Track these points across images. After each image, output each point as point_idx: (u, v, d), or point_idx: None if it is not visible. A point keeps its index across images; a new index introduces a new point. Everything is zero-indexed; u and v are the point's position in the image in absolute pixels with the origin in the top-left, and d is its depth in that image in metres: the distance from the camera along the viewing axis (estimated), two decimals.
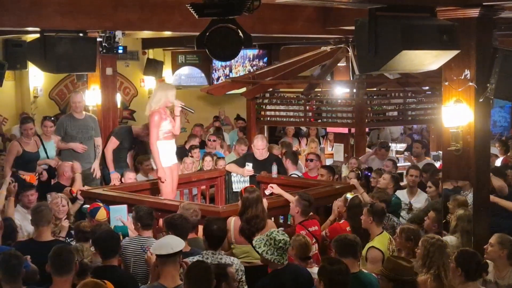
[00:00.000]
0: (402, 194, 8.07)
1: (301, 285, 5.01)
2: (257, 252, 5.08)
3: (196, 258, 5.06)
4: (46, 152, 8.65)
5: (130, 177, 8.50)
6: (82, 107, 9.18)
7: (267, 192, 7.10)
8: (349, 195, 6.88)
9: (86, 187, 7.85)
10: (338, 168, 9.62)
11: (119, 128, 9.53)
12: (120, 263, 5.52)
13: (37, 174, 8.28)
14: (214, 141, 11.41)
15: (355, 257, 5.04)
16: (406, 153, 11.23)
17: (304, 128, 13.86)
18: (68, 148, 8.91)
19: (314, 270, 5.48)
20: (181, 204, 6.38)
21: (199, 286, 4.27)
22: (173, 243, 4.72)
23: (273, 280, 4.96)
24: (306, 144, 12.17)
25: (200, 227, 6.05)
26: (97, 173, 9.00)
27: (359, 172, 8.69)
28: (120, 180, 8.53)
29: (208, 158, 9.61)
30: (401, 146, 12.10)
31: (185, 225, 5.50)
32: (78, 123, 9.01)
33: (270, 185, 7.32)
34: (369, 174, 8.70)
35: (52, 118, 9.46)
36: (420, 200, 7.97)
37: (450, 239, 6.23)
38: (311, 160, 9.29)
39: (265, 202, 6.39)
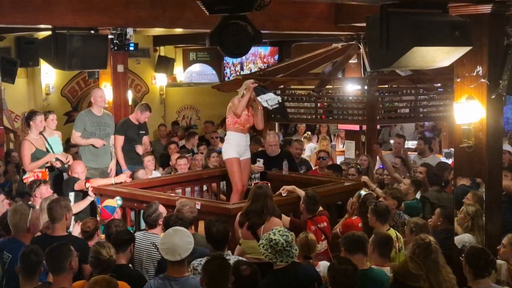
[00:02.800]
0: None
1: (303, 284, 4.96)
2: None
3: (204, 260, 4.97)
4: (51, 148, 8.68)
5: (139, 176, 8.51)
6: (105, 102, 9.19)
7: (283, 194, 7.08)
8: (362, 192, 6.87)
9: (97, 184, 7.84)
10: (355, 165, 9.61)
11: (117, 124, 9.55)
12: (129, 260, 5.51)
13: (46, 170, 8.29)
14: (217, 138, 11.47)
15: (364, 253, 5.02)
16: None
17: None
18: (87, 144, 8.92)
19: (319, 268, 5.48)
20: (178, 200, 6.38)
21: (215, 280, 4.29)
22: (180, 248, 4.69)
23: (272, 280, 4.88)
24: (317, 142, 12.16)
25: (201, 223, 6.08)
26: (113, 173, 9.02)
27: (359, 166, 8.69)
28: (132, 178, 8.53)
29: (214, 155, 9.63)
30: (412, 143, 12.05)
31: (181, 225, 5.38)
32: (97, 120, 9.02)
33: (282, 187, 7.28)
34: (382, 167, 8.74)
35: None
36: None
37: (468, 238, 6.19)
38: (324, 158, 9.25)
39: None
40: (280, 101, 8.12)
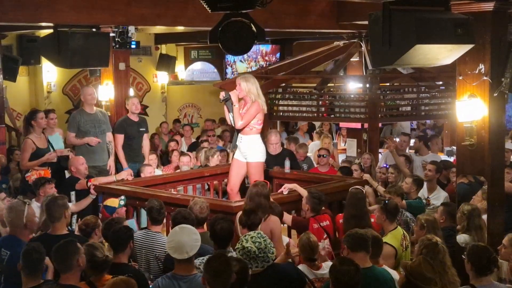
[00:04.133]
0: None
1: (284, 285, 4.90)
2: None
3: (206, 258, 4.94)
4: (52, 146, 8.69)
5: (149, 171, 8.52)
6: (95, 99, 9.21)
7: (284, 192, 7.06)
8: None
9: (99, 182, 7.84)
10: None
11: (116, 123, 9.55)
12: (129, 257, 5.49)
13: (49, 168, 8.30)
14: (213, 136, 11.49)
15: (367, 252, 5.00)
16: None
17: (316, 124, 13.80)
18: (83, 143, 8.93)
19: (323, 269, 5.47)
20: (192, 199, 6.40)
21: (218, 278, 4.26)
22: (188, 246, 4.67)
23: (247, 286, 4.76)
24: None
25: None
26: (112, 170, 9.03)
27: (361, 165, 8.69)
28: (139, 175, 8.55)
29: (217, 153, 9.63)
30: (413, 141, 12.03)
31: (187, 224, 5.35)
32: (90, 118, 9.04)
33: (284, 186, 7.27)
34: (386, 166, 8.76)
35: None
36: (438, 197, 7.93)
37: (464, 239, 6.19)
38: (324, 156, 9.26)
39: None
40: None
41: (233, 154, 8.05)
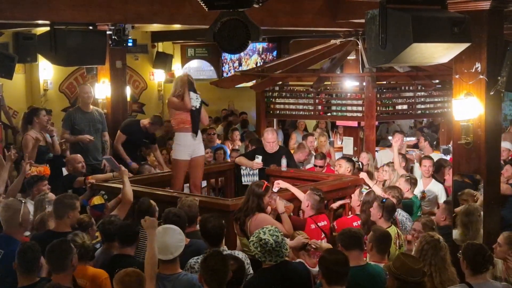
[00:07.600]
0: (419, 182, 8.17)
1: (294, 283, 4.91)
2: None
3: (201, 257, 4.94)
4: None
5: (133, 167, 8.54)
6: (91, 98, 9.22)
7: (275, 189, 7.02)
8: (364, 189, 6.88)
9: (94, 180, 7.82)
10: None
11: (127, 122, 9.54)
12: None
13: (47, 165, 8.29)
14: (214, 134, 11.50)
15: (361, 249, 5.03)
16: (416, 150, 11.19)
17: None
18: (76, 141, 8.94)
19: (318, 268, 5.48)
20: (178, 198, 6.35)
21: (215, 276, 4.28)
22: (172, 246, 4.69)
23: (258, 279, 4.85)
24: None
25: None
26: (107, 168, 9.02)
27: (359, 163, 8.71)
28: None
29: (208, 150, 9.63)
30: (410, 140, 12.06)
31: (178, 222, 5.37)
32: (86, 117, 9.05)
33: (276, 181, 7.25)
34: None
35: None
36: (432, 190, 7.99)
37: (454, 233, 6.22)
38: (320, 166, 9.19)
39: (281, 203, 6.33)
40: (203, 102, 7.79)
41: None
